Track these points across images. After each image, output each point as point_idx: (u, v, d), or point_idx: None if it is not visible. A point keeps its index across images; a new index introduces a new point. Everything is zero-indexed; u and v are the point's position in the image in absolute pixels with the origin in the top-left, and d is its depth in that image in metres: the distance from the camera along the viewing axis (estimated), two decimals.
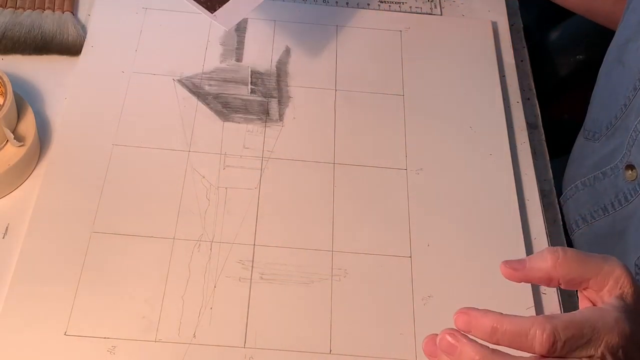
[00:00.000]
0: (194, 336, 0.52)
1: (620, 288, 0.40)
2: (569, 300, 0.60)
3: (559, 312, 0.57)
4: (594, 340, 0.38)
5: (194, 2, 0.60)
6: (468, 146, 0.65)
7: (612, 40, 0.63)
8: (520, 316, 0.39)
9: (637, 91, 0.58)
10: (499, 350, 0.39)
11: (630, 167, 0.57)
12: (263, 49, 0.70)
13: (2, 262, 0.54)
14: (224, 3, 0.60)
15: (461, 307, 0.55)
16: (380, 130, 0.65)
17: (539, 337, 0.37)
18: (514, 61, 0.72)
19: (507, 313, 0.55)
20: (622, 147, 0.58)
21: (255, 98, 0.66)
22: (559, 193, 0.67)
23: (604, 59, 0.64)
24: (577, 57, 0.88)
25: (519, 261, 0.41)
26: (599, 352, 0.37)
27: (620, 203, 0.58)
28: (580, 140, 0.67)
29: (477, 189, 0.62)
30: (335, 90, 0.68)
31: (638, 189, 0.57)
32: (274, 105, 0.66)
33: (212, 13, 0.60)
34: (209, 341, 0.52)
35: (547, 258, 0.40)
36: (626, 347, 0.38)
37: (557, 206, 0.66)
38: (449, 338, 0.39)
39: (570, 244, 0.64)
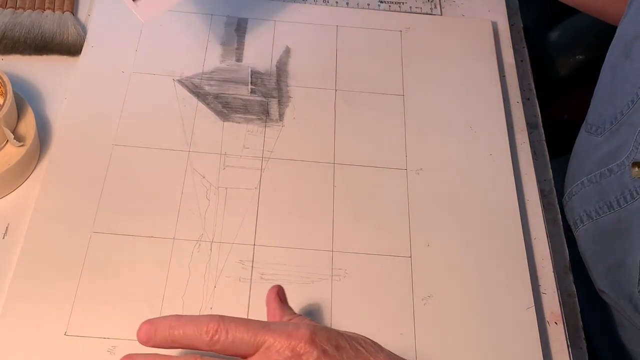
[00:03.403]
0: None
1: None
2: (569, 300, 0.61)
3: (560, 312, 0.57)
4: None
5: None
6: (468, 146, 0.65)
7: (616, 35, 0.63)
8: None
9: None
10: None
11: (637, 164, 0.57)
12: (263, 49, 0.70)
13: (2, 262, 0.55)
14: None
15: (461, 307, 0.55)
16: (380, 130, 0.65)
17: (206, 322, 0.43)
18: (514, 61, 0.72)
19: (506, 313, 0.55)
20: (629, 143, 0.58)
21: (255, 98, 0.66)
22: (559, 193, 0.67)
23: (608, 53, 0.64)
24: (577, 57, 0.88)
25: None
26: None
27: (626, 200, 0.58)
28: (582, 134, 0.67)
29: (477, 189, 0.62)
30: (335, 90, 0.68)
31: None
32: (274, 105, 0.66)
33: (134, 1, 0.56)
34: None
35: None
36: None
37: (557, 206, 0.66)
38: None
39: (571, 242, 0.64)
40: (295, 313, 0.50)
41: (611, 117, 0.61)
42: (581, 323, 0.60)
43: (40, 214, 0.57)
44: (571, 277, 0.62)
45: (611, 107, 0.61)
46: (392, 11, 0.75)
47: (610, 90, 0.62)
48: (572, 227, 0.65)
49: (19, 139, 0.57)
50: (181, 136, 0.63)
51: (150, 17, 0.58)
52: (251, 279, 0.56)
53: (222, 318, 0.43)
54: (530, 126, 0.69)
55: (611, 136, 0.61)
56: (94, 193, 0.58)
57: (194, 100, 0.65)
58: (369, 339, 0.45)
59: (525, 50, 0.76)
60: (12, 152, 0.57)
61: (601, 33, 0.74)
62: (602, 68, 0.64)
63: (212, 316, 0.43)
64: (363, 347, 0.44)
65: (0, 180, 0.56)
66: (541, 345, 0.54)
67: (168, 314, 0.45)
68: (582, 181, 0.63)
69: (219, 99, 0.66)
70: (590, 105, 0.66)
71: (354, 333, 0.45)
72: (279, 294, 0.50)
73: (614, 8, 0.69)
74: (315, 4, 0.74)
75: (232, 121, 0.64)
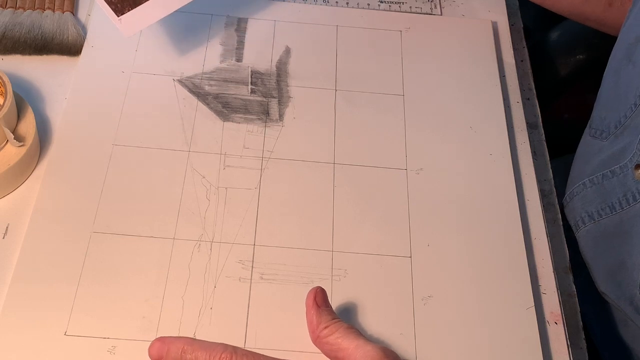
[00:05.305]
0: (194, 336, 0.52)
1: None
2: (569, 300, 0.61)
3: (560, 312, 0.57)
4: None
5: (102, 1, 0.59)
6: (468, 146, 0.65)
7: (618, 39, 0.63)
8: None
9: None
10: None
11: None
12: (263, 49, 0.70)
13: (2, 262, 0.55)
14: (135, 7, 0.58)
15: (461, 307, 0.55)
16: (380, 130, 0.65)
17: (219, 351, 0.45)
18: (514, 61, 0.72)
19: (506, 313, 0.55)
20: (632, 146, 0.58)
21: (255, 98, 0.66)
22: (559, 193, 0.67)
23: (611, 57, 0.64)
24: (577, 57, 0.88)
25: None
26: None
27: (628, 202, 0.58)
28: (586, 138, 0.67)
29: (477, 189, 0.62)
30: (335, 90, 0.68)
31: None
32: (274, 105, 0.66)
33: (117, 17, 0.58)
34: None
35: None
36: None
37: (557, 206, 0.66)
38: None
39: (571, 243, 0.64)
40: (333, 318, 0.50)
41: (615, 121, 0.61)
42: (581, 323, 0.60)
43: (40, 214, 0.57)
44: (571, 277, 0.62)
45: (615, 111, 0.61)
46: (392, 11, 0.75)
47: (613, 94, 0.62)
48: (574, 229, 0.65)
49: (19, 139, 0.57)
50: (181, 136, 0.63)
51: (133, 32, 0.60)
52: (251, 279, 0.56)
53: (235, 349, 0.44)
54: (530, 126, 0.69)
55: (615, 140, 0.61)
56: (94, 193, 0.58)
57: (194, 100, 0.65)
58: None
59: (525, 50, 0.76)
60: (12, 152, 0.57)
61: (601, 33, 0.74)
62: (605, 73, 0.64)
63: (225, 346, 0.45)
64: None
65: (0, 180, 0.57)
66: (541, 345, 0.54)
67: (182, 335, 0.47)
68: (584, 182, 0.63)
69: (219, 99, 0.66)
70: (594, 110, 0.66)
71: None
72: (316, 299, 0.51)
73: (612, 19, 0.69)
74: (315, 4, 0.74)
75: (232, 121, 0.64)
